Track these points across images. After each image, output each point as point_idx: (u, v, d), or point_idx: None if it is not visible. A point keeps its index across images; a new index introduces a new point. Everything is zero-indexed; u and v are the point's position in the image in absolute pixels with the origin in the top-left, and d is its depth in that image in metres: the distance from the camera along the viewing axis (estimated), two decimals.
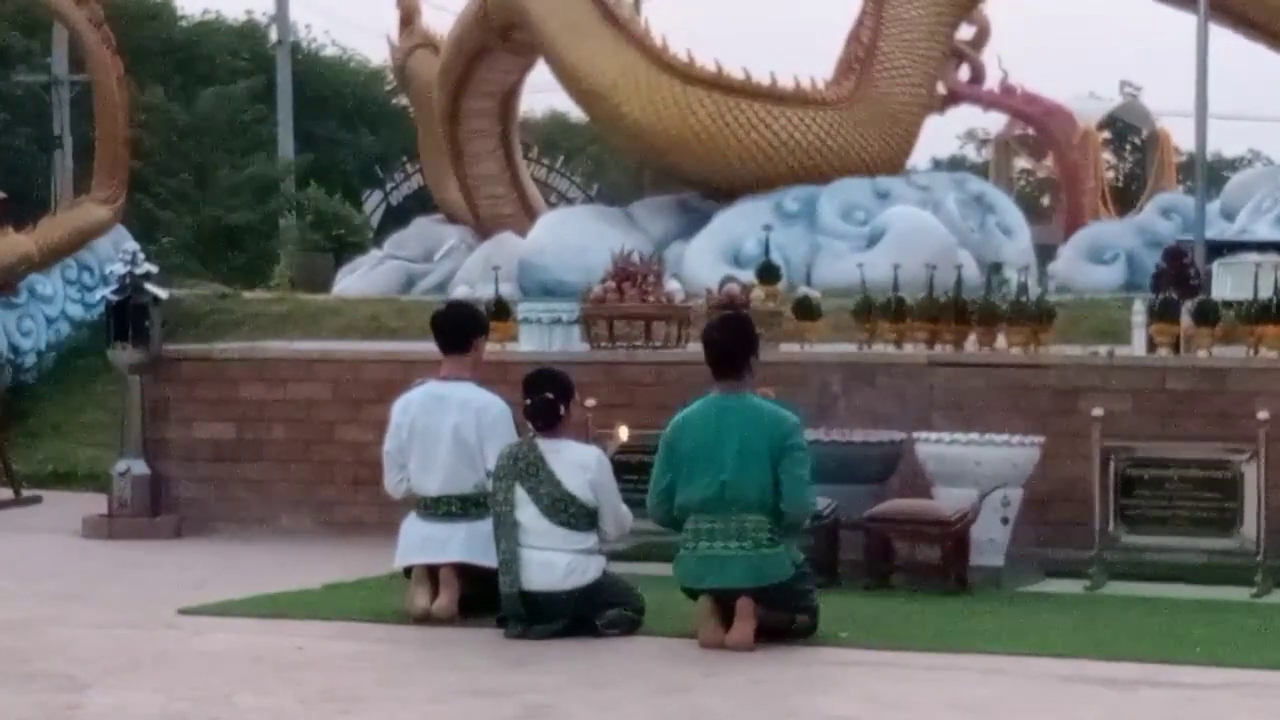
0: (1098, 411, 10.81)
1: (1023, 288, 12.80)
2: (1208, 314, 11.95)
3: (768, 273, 13.46)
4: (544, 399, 9.09)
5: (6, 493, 15.18)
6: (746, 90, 21.46)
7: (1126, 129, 48.84)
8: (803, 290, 13.67)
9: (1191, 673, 8.14)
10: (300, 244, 33.09)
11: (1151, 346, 12.09)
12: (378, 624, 9.39)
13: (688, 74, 21.36)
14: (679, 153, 21.38)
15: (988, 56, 25.23)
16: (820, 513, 9.95)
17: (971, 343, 12.57)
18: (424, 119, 27.14)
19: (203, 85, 38.91)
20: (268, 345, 15.52)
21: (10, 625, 9.39)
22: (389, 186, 37.35)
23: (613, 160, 42.08)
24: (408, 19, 27.45)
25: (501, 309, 13.36)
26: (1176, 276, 12.76)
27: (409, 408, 9.72)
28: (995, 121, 34.97)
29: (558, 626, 8.92)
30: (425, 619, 9.37)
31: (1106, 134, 40.01)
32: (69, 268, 19.58)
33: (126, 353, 13.49)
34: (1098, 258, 23.11)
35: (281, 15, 40.79)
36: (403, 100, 37.80)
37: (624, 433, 9.90)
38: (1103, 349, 12.53)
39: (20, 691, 7.73)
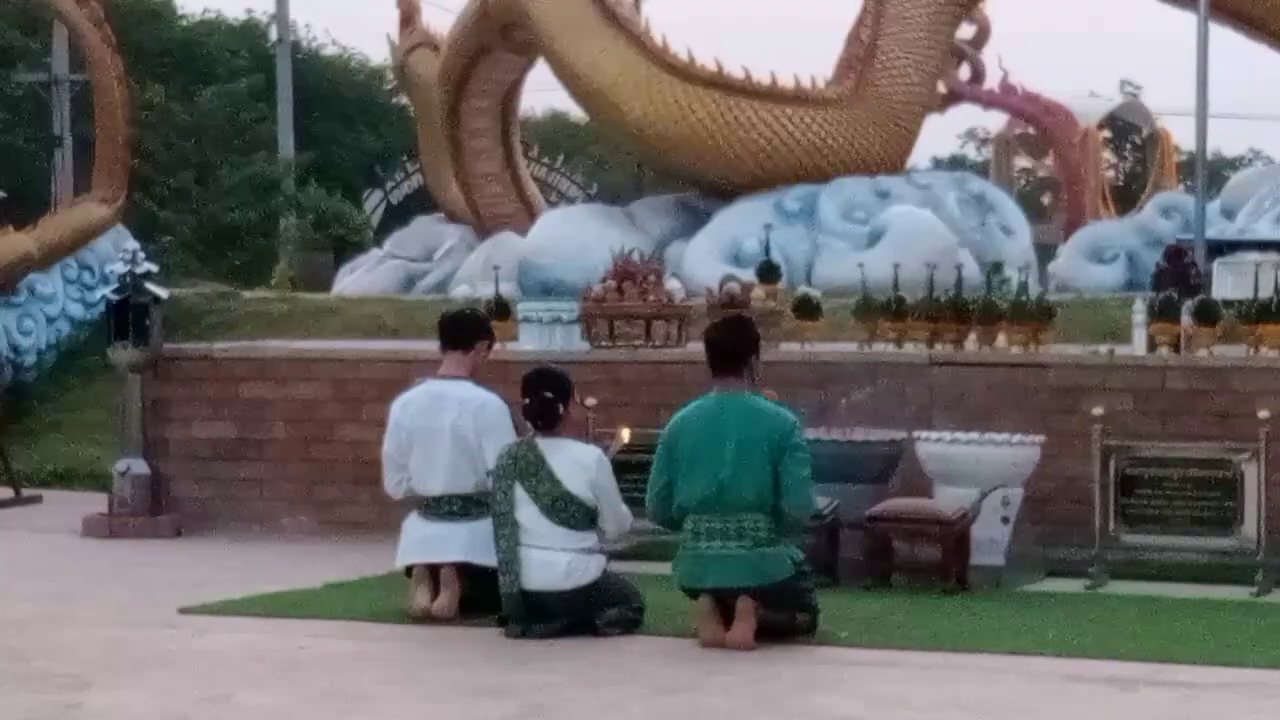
0: (1098, 411, 10.82)
1: (1023, 287, 12.80)
2: (1208, 313, 11.96)
3: (768, 272, 13.46)
4: (543, 398, 9.09)
5: (6, 492, 15.18)
6: (746, 89, 21.46)
7: (1127, 128, 48.88)
8: (803, 289, 13.68)
9: (1191, 672, 8.14)
10: (300, 243, 33.10)
11: (1152, 346, 12.10)
12: (378, 623, 9.39)
13: (688, 73, 21.36)
14: (679, 152, 21.39)
15: (988, 55, 25.27)
16: (820, 512, 9.95)
17: (972, 342, 12.58)
18: (424, 118, 27.16)
19: (203, 84, 38.89)
20: (268, 345, 15.52)
21: (10, 625, 9.39)
22: (389, 186, 37.36)
23: (613, 159, 42.10)
24: (408, 18, 27.47)
25: (501, 308, 13.36)
26: (1177, 276, 12.78)
27: (408, 407, 9.73)
28: (995, 120, 35.04)
29: (558, 626, 8.92)
30: (426, 618, 9.37)
31: (1107, 133, 40.07)
32: (69, 267, 19.58)
33: (127, 352, 13.49)
34: (1098, 257, 23.11)
35: (281, 14, 40.75)
36: (403, 100, 37.84)
37: (625, 434, 9.91)
38: (1103, 348, 12.53)
39: (20, 691, 7.73)
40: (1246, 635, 9.09)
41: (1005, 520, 10.86)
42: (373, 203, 37.31)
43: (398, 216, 32.44)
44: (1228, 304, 12.33)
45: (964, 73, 24.86)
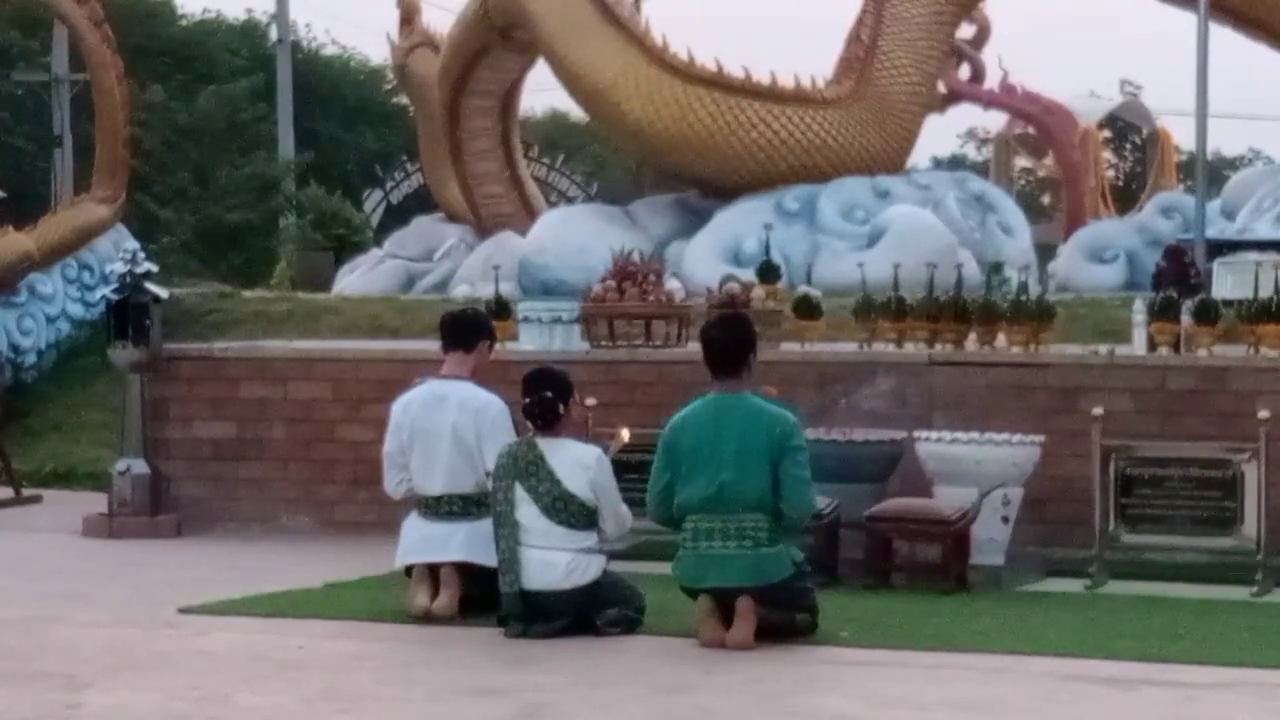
0: (1098, 411, 10.81)
1: (1023, 287, 12.79)
2: (1208, 313, 11.95)
3: (768, 272, 13.46)
4: (543, 398, 9.09)
5: (6, 492, 15.17)
6: (747, 89, 21.45)
7: (1127, 128, 48.88)
8: (803, 289, 13.66)
9: (1191, 672, 8.14)
10: (300, 243, 33.11)
11: (1152, 345, 12.09)
12: (378, 623, 9.39)
13: (688, 73, 21.35)
14: (679, 152, 21.38)
15: (988, 55, 25.26)
16: (820, 512, 9.94)
17: (972, 342, 12.57)
18: (424, 118, 27.16)
19: (203, 84, 38.94)
20: (268, 344, 15.52)
21: (11, 625, 9.39)
22: (389, 185, 37.37)
23: (613, 159, 42.10)
24: (408, 18, 27.47)
25: (502, 308, 13.36)
26: (1177, 275, 12.77)
27: (409, 408, 9.73)
28: (995, 120, 34.98)
29: (558, 626, 8.92)
30: (426, 618, 9.37)
31: (1107, 133, 40.03)
32: (69, 267, 19.58)
33: (127, 352, 13.48)
34: (1098, 257, 23.10)
35: (281, 14, 40.80)
36: (403, 99, 37.85)
37: (626, 434, 9.91)
38: (1103, 348, 12.53)
39: (20, 691, 7.73)
40: (1246, 635, 9.08)
41: (1005, 520, 10.87)
42: (373, 203, 37.31)
43: (398, 216, 32.44)
44: (1228, 304, 12.32)
45: (964, 73, 24.86)
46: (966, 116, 43.55)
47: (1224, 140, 61.17)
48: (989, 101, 28.16)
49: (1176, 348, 11.96)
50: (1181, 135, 34.87)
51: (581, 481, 9.00)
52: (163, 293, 13.83)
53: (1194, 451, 10.90)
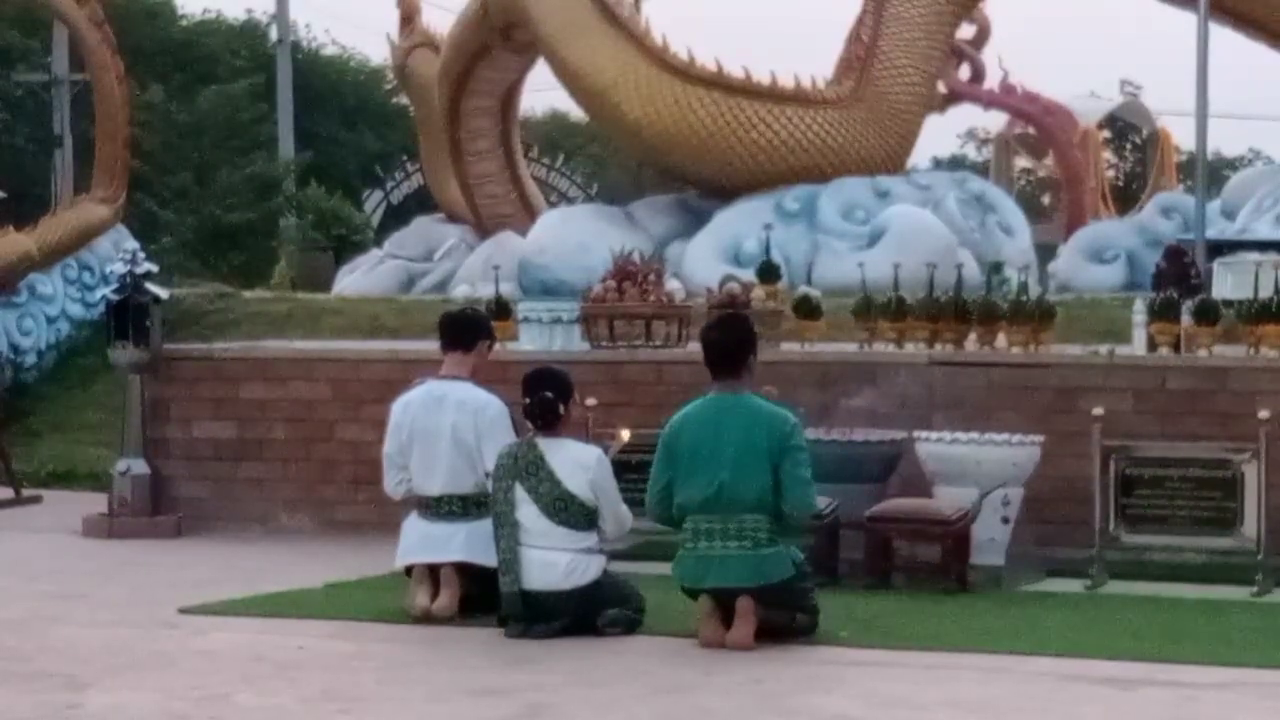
0: (1098, 411, 10.81)
1: (1023, 287, 12.79)
2: (1208, 313, 11.95)
3: (768, 272, 13.46)
4: (543, 398, 9.09)
5: (6, 492, 15.16)
6: (747, 89, 21.48)
7: (1127, 128, 48.92)
8: (803, 289, 13.67)
9: (1191, 672, 8.14)
10: (301, 243, 33.12)
11: (1152, 346, 12.09)
12: (378, 623, 9.39)
13: (688, 73, 21.38)
14: (679, 152, 21.41)
15: (988, 55, 25.29)
16: (821, 512, 9.94)
17: (972, 342, 12.57)
18: (424, 118, 27.19)
19: (203, 84, 38.92)
20: (268, 345, 15.52)
21: (11, 624, 9.39)
22: (389, 186, 37.40)
23: (613, 159, 42.09)
24: (408, 18, 27.51)
25: (502, 308, 13.36)
26: (1177, 276, 12.77)
27: (409, 408, 9.73)
28: (996, 120, 35.03)
29: (558, 626, 8.92)
30: (426, 618, 9.37)
31: (1107, 133, 40.10)
32: (69, 267, 19.59)
33: (127, 352, 13.48)
34: (1098, 257, 23.14)
35: (281, 14, 40.81)
36: (403, 100, 37.87)
37: (626, 434, 9.91)
38: (1103, 348, 12.54)
39: (20, 691, 7.73)
40: (1246, 635, 9.08)
41: (1005, 520, 10.86)
42: (373, 203, 37.34)
43: (398, 216, 32.48)
44: (1228, 304, 12.32)
45: (964, 73, 24.89)
46: (966, 116, 43.57)
47: (1224, 140, 61.24)
48: (989, 101, 28.19)
49: (1176, 348, 11.95)
50: (1181, 135, 34.95)
51: (581, 481, 9.00)
52: (163, 293, 13.83)
53: (1194, 452, 10.89)
